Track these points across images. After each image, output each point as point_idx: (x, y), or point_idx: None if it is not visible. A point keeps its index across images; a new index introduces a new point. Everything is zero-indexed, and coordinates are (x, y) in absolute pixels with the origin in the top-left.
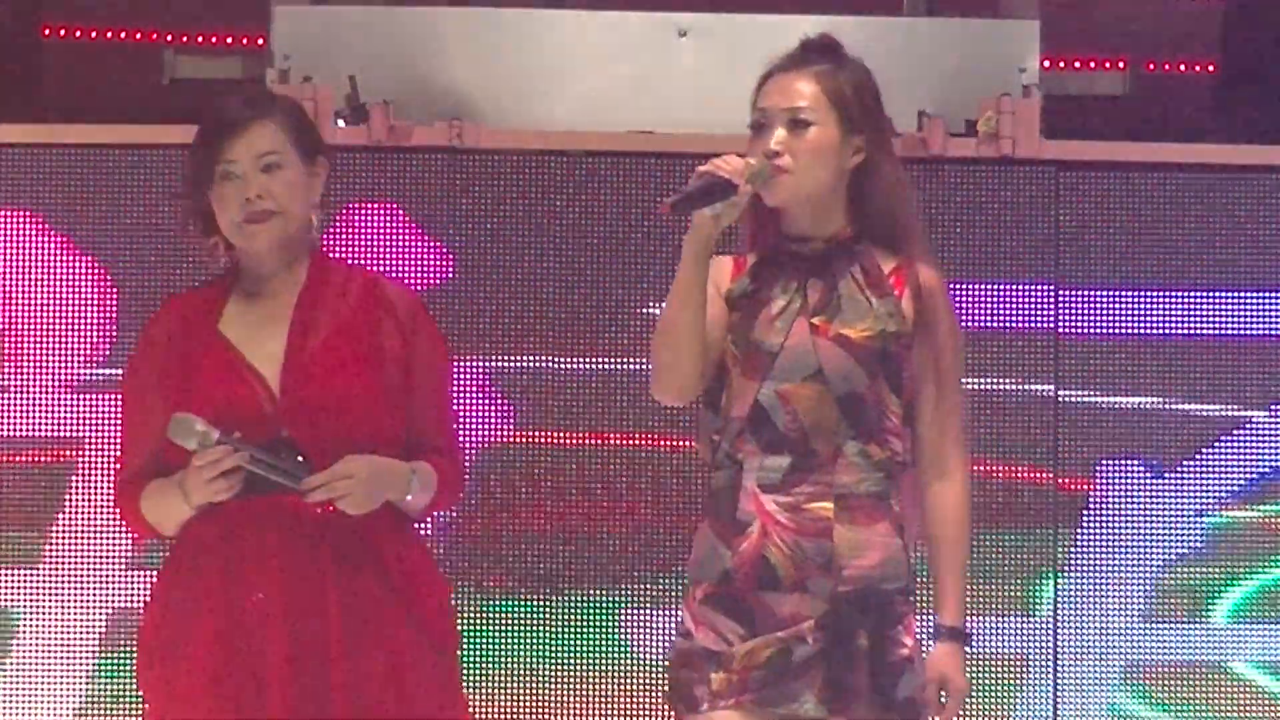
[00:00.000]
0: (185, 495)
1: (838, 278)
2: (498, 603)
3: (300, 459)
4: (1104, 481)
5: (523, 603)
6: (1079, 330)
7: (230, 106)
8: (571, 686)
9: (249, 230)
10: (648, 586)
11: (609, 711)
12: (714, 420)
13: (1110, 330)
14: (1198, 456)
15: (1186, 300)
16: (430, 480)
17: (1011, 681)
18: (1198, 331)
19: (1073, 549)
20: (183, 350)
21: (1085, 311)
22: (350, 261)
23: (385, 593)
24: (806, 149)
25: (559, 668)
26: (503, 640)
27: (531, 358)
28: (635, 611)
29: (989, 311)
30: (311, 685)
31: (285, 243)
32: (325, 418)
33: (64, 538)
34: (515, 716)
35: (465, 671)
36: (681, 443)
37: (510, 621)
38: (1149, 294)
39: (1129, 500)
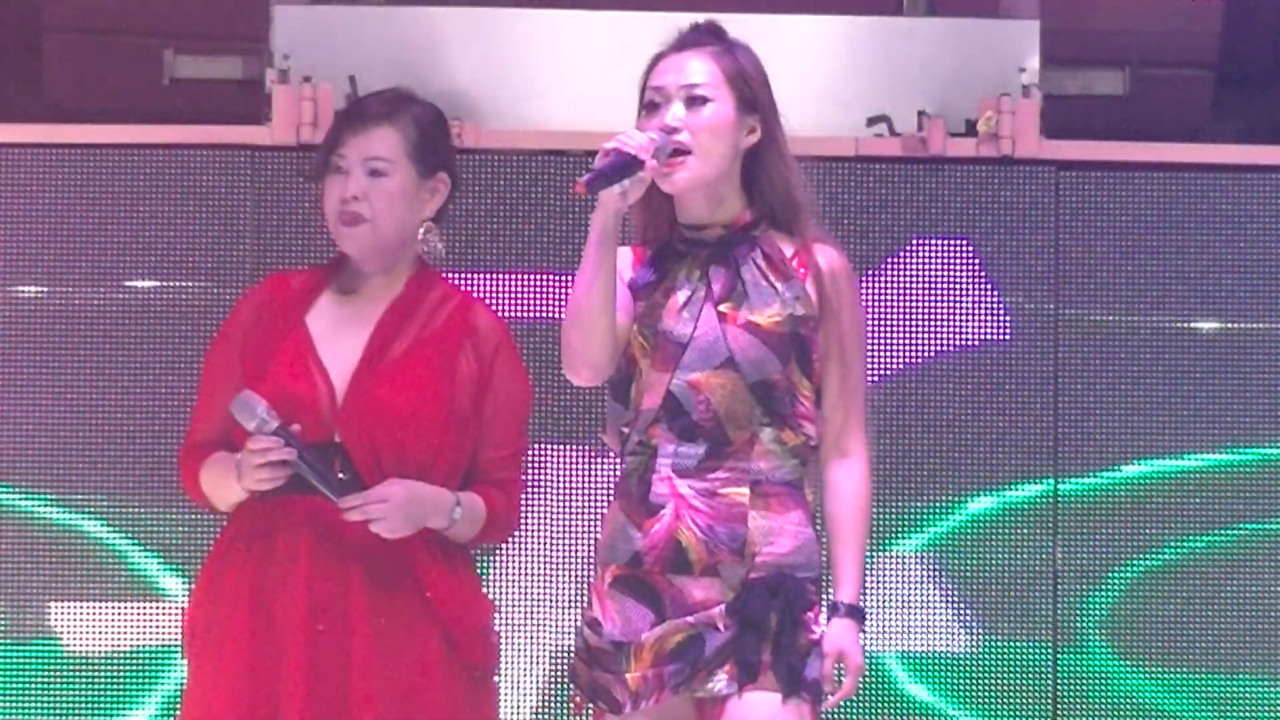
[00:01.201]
0: (239, 476)
1: (740, 264)
2: None
3: (347, 471)
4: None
5: None
6: (1079, 330)
7: (362, 102)
8: None
9: (340, 231)
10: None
11: None
12: (623, 412)
13: (1110, 330)
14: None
15: (1186, 299)
16: (478, 512)
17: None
18: (1197, 330)
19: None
20: (265, 332)
21: (1085, 310)
22: (454, 283)
23: (417, 608)
24: (704, 126)
25: None
26: None
27: (533, 357)
28: None
29: (989, 311)
30: (330, 694)
31: (377, 251)
32: (381, 430)
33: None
34: None
35: None
36: None
37: None
38: (1148, 294)
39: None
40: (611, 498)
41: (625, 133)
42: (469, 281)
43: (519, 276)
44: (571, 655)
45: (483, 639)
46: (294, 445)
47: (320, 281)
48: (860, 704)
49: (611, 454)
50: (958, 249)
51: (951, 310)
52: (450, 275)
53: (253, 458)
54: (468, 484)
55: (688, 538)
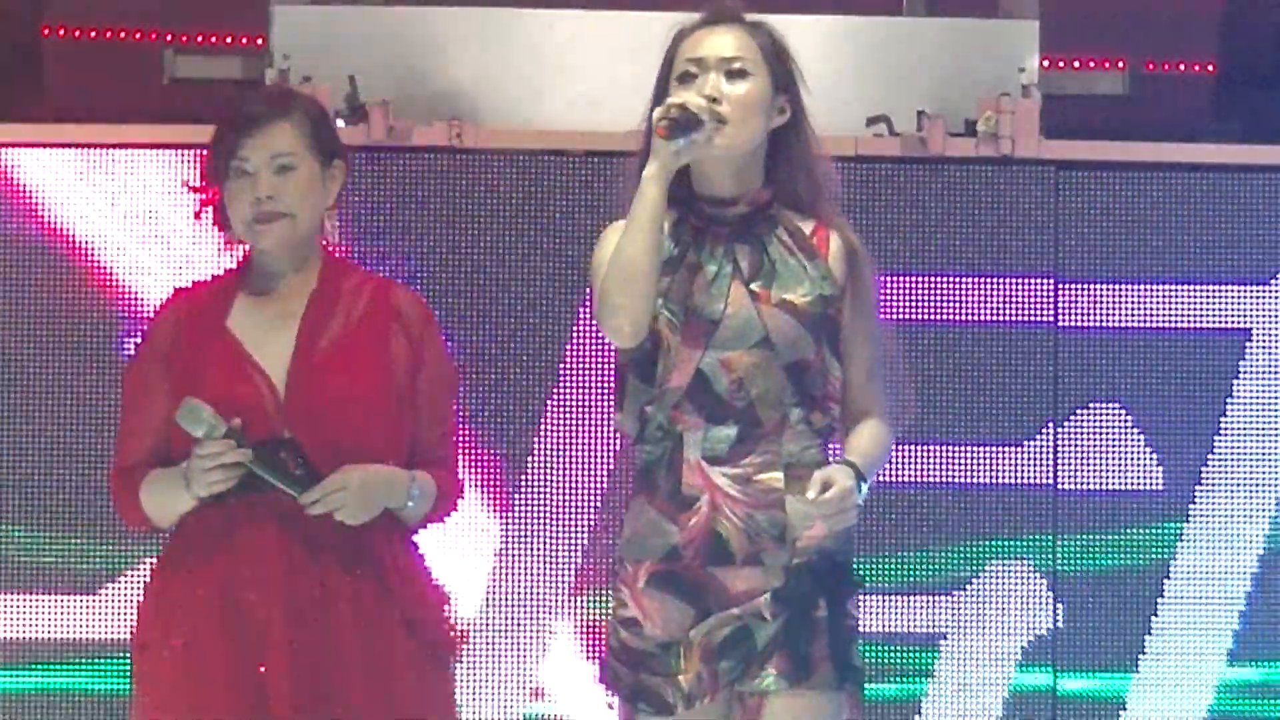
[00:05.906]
0: (187, 484)
1: (765, 241)
2: None
3: (301, 464)
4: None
5: None
6: (1078, 329)
7: (250, 103)
8: None
9: (257, 230)
10: None
11: None
12: (646, 391)
13: (1110, 329)
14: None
15: (1185, 299)
16: (430, 490)
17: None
18: (1197, 330)
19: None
20: (189, 343)
21: (1085, 311)
22: (363, 266)
23: (381, 595)
24: (742, 100)
25: None
26: None
27: (529, 358)
28: None
29: (989, 311)
30: (313, 687)
31: (294, 244)
32: (329, 420)
33: None
34: None
35: None
36: None
37: None
38: (1148, 293)
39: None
40: (630, 490)
41: (681, 93)
42: (467, 280)
43: (518, 276)
44: (607, 658)
45: (441, 623)
46: (247, 447)
47: (230, 288)
48: None
49: (622, 439)
50: (958, 249)
51: (952, 310)
52: (454, 275)
53: (204, 462)
54: (409, 465)
55: (727, 528)
